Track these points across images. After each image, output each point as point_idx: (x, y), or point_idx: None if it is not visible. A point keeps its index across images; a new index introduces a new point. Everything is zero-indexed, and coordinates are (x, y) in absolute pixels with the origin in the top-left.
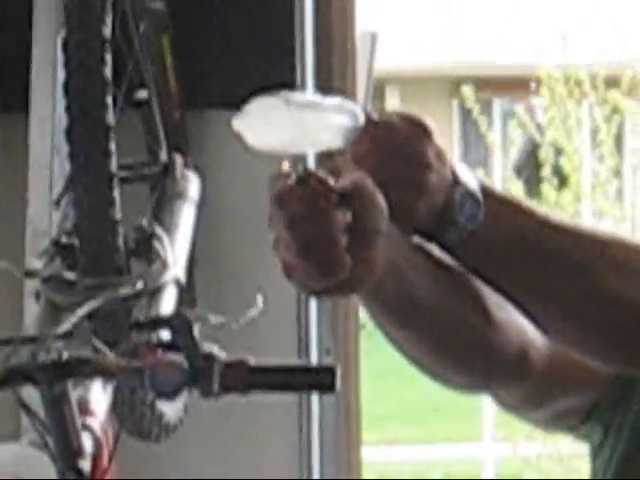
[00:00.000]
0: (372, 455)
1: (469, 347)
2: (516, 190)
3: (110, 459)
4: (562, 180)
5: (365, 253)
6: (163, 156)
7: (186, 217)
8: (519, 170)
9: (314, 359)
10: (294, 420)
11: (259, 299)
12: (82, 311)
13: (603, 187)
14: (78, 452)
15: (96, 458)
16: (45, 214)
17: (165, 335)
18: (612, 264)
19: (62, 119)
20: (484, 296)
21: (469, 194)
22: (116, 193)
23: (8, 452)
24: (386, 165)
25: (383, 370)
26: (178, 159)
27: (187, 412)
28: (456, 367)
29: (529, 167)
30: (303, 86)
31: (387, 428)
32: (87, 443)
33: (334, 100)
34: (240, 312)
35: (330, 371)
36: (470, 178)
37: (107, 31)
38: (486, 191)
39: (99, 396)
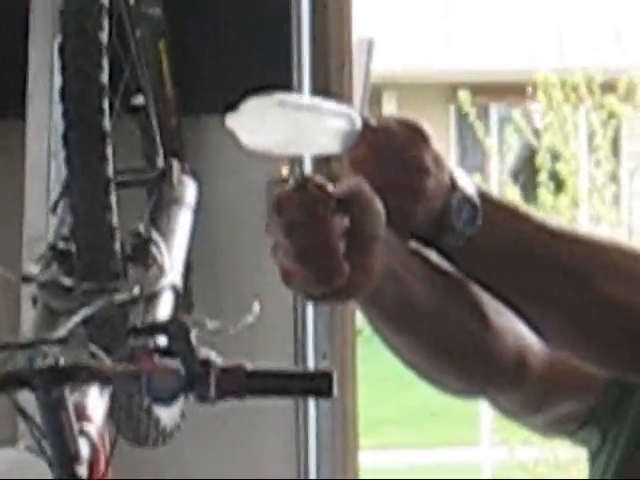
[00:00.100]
0: (369, 459)
1: (467, 352)
2: (513, 195)
3: (107, 464)
4: (559, 185)
5: (363, 259)
6: (160, 161)
7: (183, 222)
8: (516, 175)
9: (311, 364)
10: (291, 425)
11: (256, 304)
12: (79, 316)
13: (600, 192)
14: (75, 457)
15: (93, 463)
16: (42, 219)
17: (162, 340)
18: (609, 269)
19: (59, 125)
20: (482, 302)
21: (467, 199)
22: (113, 198)
23: (5, 457)
24: (383, 170)
25: (381, 375)
26: (175, 164)
27: (184, 417)
28: (454, 372)
29: (526, 172)
30: (300, 91)
31: (385, 433)
32: (84, 448)
33: (331, 104)
34: (237, 317)
35: (327, 376)
36: (468, 183)
37: (104, 37)
38: (483, 196)
39: (96, 401)
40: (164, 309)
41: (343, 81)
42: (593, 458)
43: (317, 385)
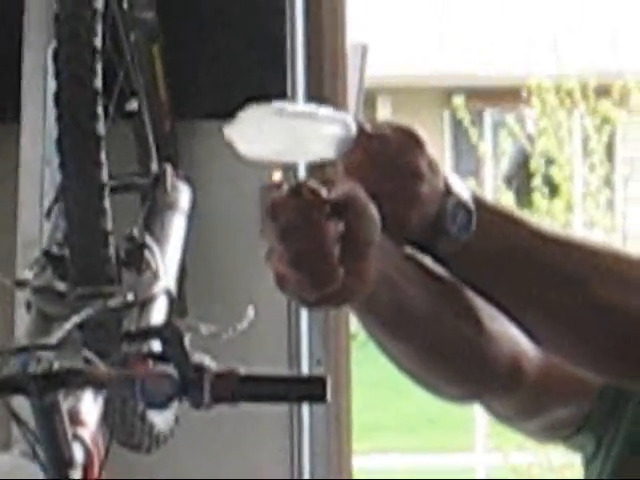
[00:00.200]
0: (365, 463)
1: (462, 358)
2: (507, 200)
3: (101, 470)
4: (553, 190)
5: (357, 264)
6: (154, 166)
7: (177, 227)
8: (510, 180)
9: (305, 369)
10: (285, 430)
11: (250, 309)
12: (73, 321)
13: (594, 197)
14: (69, 462)
15: (87, 468)
16: (36, 224)
17: (156, 345)
18: (604, 274)
19: (53, 130)
20: (477, 307)
21: (461, 204)
22: (107, 203)
23: None
24: (378, 176)
25: (375, 380)
26: (169, 169)
27: (178, 422)
28: (449, 377)
29: (520, 177)
30: (294, 96)
31: (380, 438)
32: (78, 453)
33: (326, 110)
34: (231, 322)
35: (321, 381)
36: (462, 188)
37: (98, 42)
38: (478, 201)
39: (90, 406)
40: (158, 314)
41: (337, 86)
42: (588, 463)
43: (311, 390)
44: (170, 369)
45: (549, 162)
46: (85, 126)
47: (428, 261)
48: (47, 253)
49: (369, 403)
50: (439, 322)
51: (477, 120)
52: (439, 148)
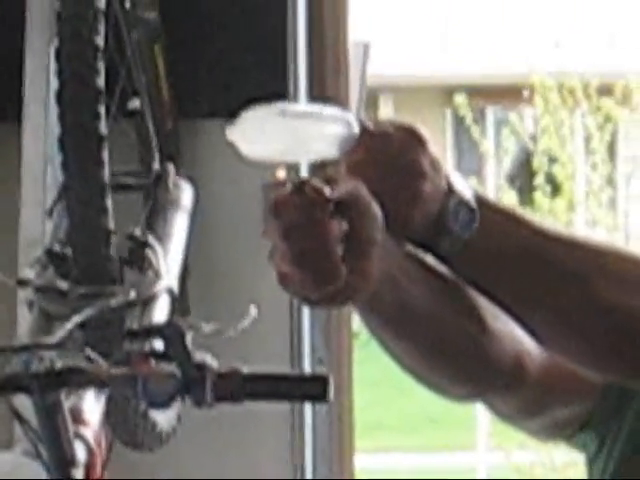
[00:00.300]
0: (367, 462)
1: (465, 356)
2: (509, 198)
3: (103, 468)
4: (555, 188)
5: (360, 263)
6: (156, 165)
7: (179, 226)
8: (512, 178)
9: (307, 368)
10: (287, 429)
11: (252, 308)
12: (75, 320)
13: (596, 195)
14: (71, 461)
15: (89, 467)
16: (38, 223)
17: (158, 344)
18: (606, 273)
19: (55, 128)
20: (479, 306)
21: (464, 203)
22: (109, 202)
23: (1, 461)
24: (381, 174)
25: (377, 379)
26: (171, 168)
27: (180, 421)
28: (451, 376)
29: (522, 175)
30: (296, 95)
31: (382, 437)
32: (80, 452)
33: (329, 110)
34: (233, 321)
35: (323, 380)
36: (465, 187)
37: (100, 41)
38: (480, 200)
39: (92, 405)
40: (160, 313)
41: (339, 85)
42: (590, 462)
43: (313, 389)
44: (172, 368)
45: (551, 161)
46: (87, 125)
47: (430, 260)
48: (49, 252)
49: (371, 402)
50: (442, 321)
51: (479, 118)
52: (441, 146)
